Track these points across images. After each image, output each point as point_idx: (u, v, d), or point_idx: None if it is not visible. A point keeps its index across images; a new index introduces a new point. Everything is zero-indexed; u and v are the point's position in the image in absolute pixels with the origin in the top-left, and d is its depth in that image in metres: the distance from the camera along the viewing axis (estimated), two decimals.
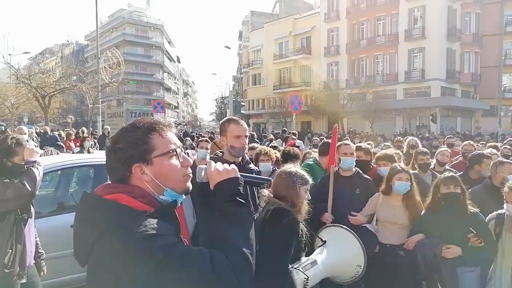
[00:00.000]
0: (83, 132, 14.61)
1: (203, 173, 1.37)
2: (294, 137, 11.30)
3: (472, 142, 6.92)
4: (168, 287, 1.08)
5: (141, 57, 55.96)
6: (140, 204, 1.19)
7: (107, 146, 1.30)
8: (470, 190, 3.51)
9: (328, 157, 4.15)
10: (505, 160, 4.15)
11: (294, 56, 40.53)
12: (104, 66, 17.93)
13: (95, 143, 13.88)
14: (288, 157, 4.66)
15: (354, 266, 2.90)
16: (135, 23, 56.17)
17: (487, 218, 3.28)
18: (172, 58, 68.08)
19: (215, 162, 1.39)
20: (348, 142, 4.64)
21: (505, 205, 3.14)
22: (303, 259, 2.60)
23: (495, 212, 3.30)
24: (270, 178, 1.55)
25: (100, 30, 22.20)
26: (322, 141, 4.96)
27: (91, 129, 15.27)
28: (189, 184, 1.31)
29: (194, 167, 1.36)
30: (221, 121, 2.96)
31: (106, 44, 47.61)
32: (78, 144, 12.78)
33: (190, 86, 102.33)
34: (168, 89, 63.16)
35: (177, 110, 70.11)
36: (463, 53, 33.17)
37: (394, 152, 5.04)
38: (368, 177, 4.13)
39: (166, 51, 61.55)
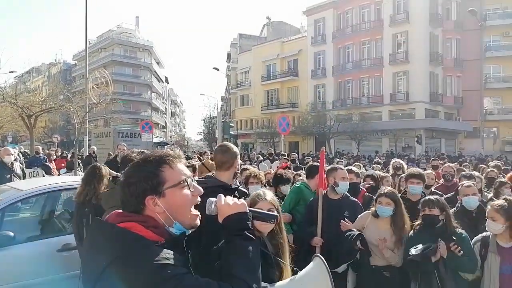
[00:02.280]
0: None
1: (213, 206, 1.41)
2: (285, 158, 11.38)
3: (451, 164, 7.06)
4: None
5: (129, 77, 56.05)
6: (151, 234, 1.23)
7: (121, 181, 1.34)
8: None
9: (316, 179, 4.21)
10: (463, 182, 4.30)
11: (282, 78, 41.16)
12: (92, 86, 17.88)
13: (79, 163, 13.71)
14: (280, 180, 4.68)
15: None
16: (124, 43, 56.49)
17: (472, 240, 3.35)
18: (161, 79, 68.34)
19: (214, 194, 1.43)
20: (341, 166, 4.70)
21: (486, 222, 3.23)
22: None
23: (480, 235, 3.38)
24: (277, 215, 1.59)
25: (88, 50, 22.24)
26: (309, 164, 4.99)
27: (77, 150, 15.07)
28: (197, 222, 1.35)
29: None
30: (227, 148, 3.01)
31: (94, 64, 47.71)
32: (63, 164, 12.63)
33: (178, 106, 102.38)
34: (156, 109, 63.11)
35: (165, 130, 69.89)
36: (446, 77, 34.13)
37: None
38: (356, 200, 4.19)
39: (155, 71, 61.84)
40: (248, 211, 1.40)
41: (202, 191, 1.38)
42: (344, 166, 5.24)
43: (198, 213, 1.37)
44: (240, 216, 1.36)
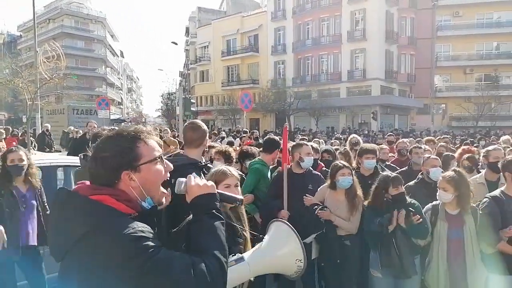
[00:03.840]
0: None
1: (182, 186, 1.44)
2: (244, 135, 11.47)
3: (405, 140, 7.52)
4: (153, 286, 1.14)
5: (82, 50, 53.04)
6: (124, 207, 1.25)
7: (92, 154, 1.33)
8: (405, 186, 3.84)
9: (273, 154, 4.44)
10: (428, 155, 4.59)
11: (242, 54, 40.76)
12: (43, 60, 16.83)
13: (32, 142, 13.08)
14: (246, 156, 4.77)
15: (294, 261, 2.98)
16: (75, 14, 53.01)
17: (424, 209, 3.64)
18: (115, 53, 65.40)
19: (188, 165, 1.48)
20: (306, 142, 4.85)
21: (438, 192, 3.51)
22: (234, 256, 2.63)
23: (430, 204, 3.68)
24: (242, 198, 1.66)
25: (35, 21, 20.78)
26: (268, 138, 5.07)
27: (29, 128, 14.27)
28: (164, 201, 1.40)
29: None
30: (198, 126, 3.03)
31: (43, 36, 44.59)
32: (15, 143, 11.97)
33: (135, 82, 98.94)
34: (111, 85, 60.60)
35: (121, 107, 67.53)
36: (400, 55, 35.30)
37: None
38: (318, 173, 4.39)
39: (109, 45, 58.96)
40: (216, 192, 1.46)
41: (173, 167, 1.43)
42: None
43: (166, 191, 1.41)
44: (209, 197, 1.41)
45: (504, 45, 35.47)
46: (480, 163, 5.03)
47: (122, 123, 38.76)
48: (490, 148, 4.58)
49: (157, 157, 1.34)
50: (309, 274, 3.96)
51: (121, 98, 69.41)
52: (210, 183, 1.46)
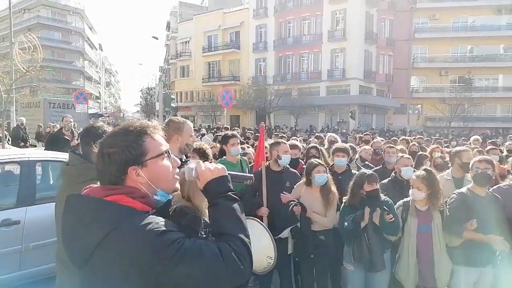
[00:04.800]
0: None
1: (193, 172, 1.44)
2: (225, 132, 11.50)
3: (380, 139, 7.78)
4: (182, 278, 1.16)
5: (59, 42, 51.58)
6: (140, 205, 1.25)
7: (98, 151, 1.31)
8: (379, 183, 4.01)
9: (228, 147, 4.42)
10: (401, 154, 4.81)
11: (223, 50, 40.65)
12: (18, 51, 16.36)
13: (6, 135, 12.76)
14: (225, 153, 4.83)
15: (265, 258, 3.05)
16: (51, 5, 51.46)
17: (395, 205, 3.82)
18: (94, 45, 63.97)
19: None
20: (284, 140, 4.95)
21: (411, 191, 3.70)
22: None
23: (401, 201, 3.86)
24: (252, 175, 1.67)
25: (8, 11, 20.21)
26: (223, 134, 5.13)
27: (4, 121, 13.88)
28: (178, 185, 1.41)
29: None
30: (172, 120, 3.09)
31: (17, 26, 43.20)
32: None
33: (113, 76, 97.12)
34: (89, 78, 59.32)
35: (99, 101, 66.21)
36: (379, 55, 35.98)
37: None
38: (296, 171, 4.52)
39: (87, 37, 57.59)
40: (228, 174, 1.46)
41: (180, 162, 1.44)
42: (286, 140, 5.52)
43: (177, 177, 1.40)
44: (222, 180, 1.41)
45: (477, 48, 36.66)
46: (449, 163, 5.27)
47: (100, 118, 38.01)
48: (461, 149, 4.80)
49: (164, 151, 1.34)
50: (286, 269, 4.10)
51: (99, 92, 68.08)
52: (220, 166, 1.46)
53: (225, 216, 1.35)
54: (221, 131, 12.14)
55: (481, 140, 10.15)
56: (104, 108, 68.47)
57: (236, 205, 1.38)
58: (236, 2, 45.97)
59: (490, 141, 11.06)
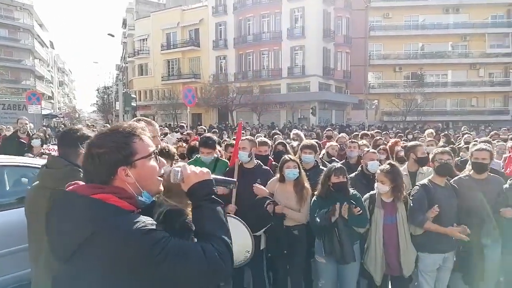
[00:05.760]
0: None
1: (179, 175, 1.48)
2: (188, 131, 11.38)
3: (344, 135, 8.02)
4: (167, 276, 1.19)
5: (6, 40, 48.53)
6: (126, 204, 1.27)
7: (86, 152, 1.32)
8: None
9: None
10: (367, 149, 5.00)
11: (183, 48, 40.08)
12: None
13: None
14: (194, 151, 4.81)
15: (243, 252, 3.16)
16: None
17: (363, 198, 3.97)
18: (44, 43, 60.84)
19: None
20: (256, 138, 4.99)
21: (375, 184, 3.86)
22: None
23: (368, 194, 4.02)
24: (235, 180, 1.72)
25: None
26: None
27: None
28: (162, 188, 1.45)
29: None
30: (140, 120, 3.02)
31: None
32: None
33: (67, 75, 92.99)
34: (41, 78, 56.36)
35: (52, 101, 63.18)
36: (337, 53, 36.87)
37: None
38: (268, 168, 4.57)
39: (37, 34, 54.60)
40: (212, 178, 1.51)
41: (165, 163, 1.49)
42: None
43: (162, 179, 1.44)
44: (206, 183, 1.47)
45: (428, 46, 38.62)
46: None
47: (54, 119, 36.26)
48: (415, 143, 5.01)
49: (151, 152, 1.37)
50: (258, 264, 4.14)
51: (52, 92, 64.92)
52: (205, 169, 1.51)
53: (208, 218, 1.41)
54: (184, 130, 12.00)
55: (434, 133, 10.74)
56: (58, 109, 65.52)
57: (219, 208, 1.45)
58: None
59: (443, 134, 11.70)
